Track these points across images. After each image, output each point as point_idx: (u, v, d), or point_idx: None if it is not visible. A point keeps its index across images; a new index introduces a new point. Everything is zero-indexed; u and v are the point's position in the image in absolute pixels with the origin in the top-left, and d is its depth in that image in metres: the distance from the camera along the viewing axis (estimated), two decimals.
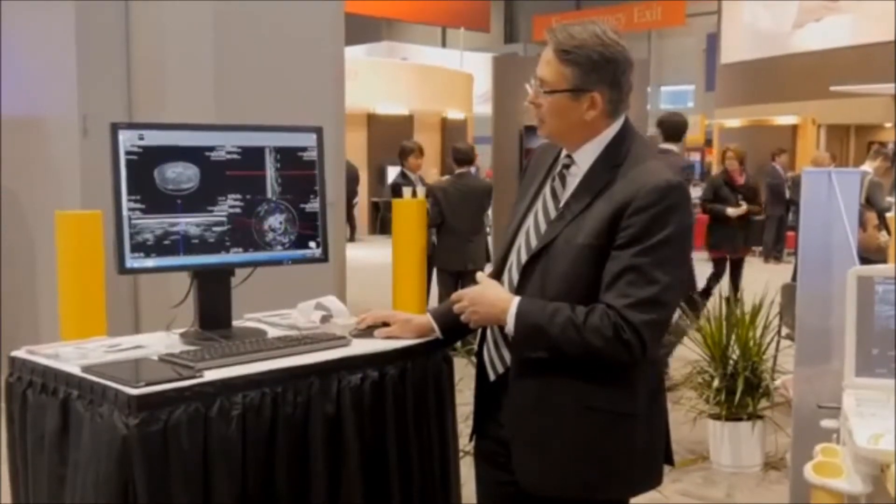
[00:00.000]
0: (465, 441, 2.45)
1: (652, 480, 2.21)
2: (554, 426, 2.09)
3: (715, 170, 14.37)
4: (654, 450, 2.20)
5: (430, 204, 6.99)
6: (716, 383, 4.77)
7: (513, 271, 2.17)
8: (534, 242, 2.14)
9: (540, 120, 2.15)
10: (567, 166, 2.17)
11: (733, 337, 4.82)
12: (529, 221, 2.19)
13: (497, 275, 2.24)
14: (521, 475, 2.14)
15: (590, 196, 2.09)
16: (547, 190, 2.19)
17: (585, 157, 2.15)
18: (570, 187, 2.15)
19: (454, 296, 2.21)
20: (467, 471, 2.43)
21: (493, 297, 2.12)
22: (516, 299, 2.07)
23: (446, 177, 9.07)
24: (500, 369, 2.20)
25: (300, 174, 2.48)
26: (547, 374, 2.08)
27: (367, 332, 2.39)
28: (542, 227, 2.15)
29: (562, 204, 2.14)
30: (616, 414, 2.08)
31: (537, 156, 2.35)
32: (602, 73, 2.08)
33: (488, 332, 2.24)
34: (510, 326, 2.07)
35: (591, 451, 2.08)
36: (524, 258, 2.15)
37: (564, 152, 2.20)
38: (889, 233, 5.67)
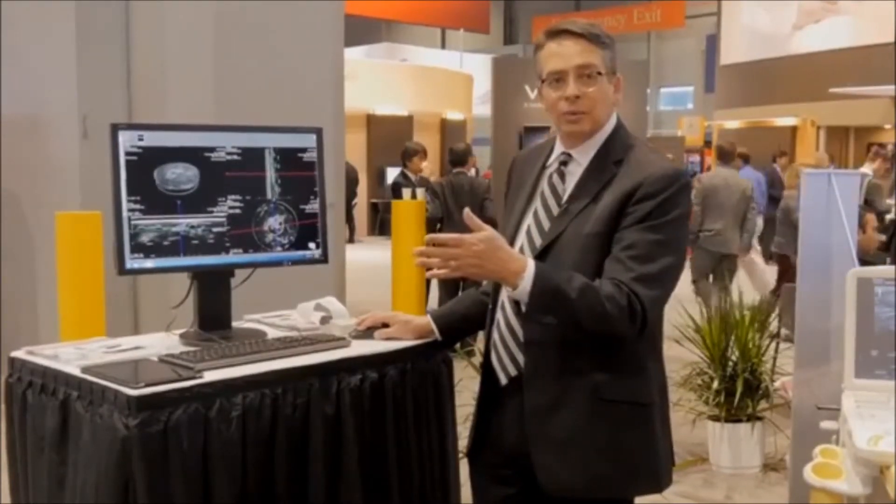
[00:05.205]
0: (464, 442, 2.44)
1: (670, 476, 2.20)
2: (575, 423, 2.07)
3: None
4: (669, 444, 2.20)
5: (430, 199, 6.97)
6: (715, 385, 4.77)
7: None
8: (538, 240, 2.14)
9: (580, 114, 2.12)
10: (565, 163, 2.18)
11: (732, 338, 4.82)
12: (529, 221, 2.19)
13: None
14: (545, 478, 2.10)
15: (595, 189, 2.10)
16: (545, 188, 2.19)
17: (585, 152, 2.16)
18: (570, 183, 2.16)
19: (446, 238, 1.99)
20: (466, 471, 2.43)
21: (506, 254, 2.00)
22: (532, 261, 2.01)
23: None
24: (513, 372, 2.17)
25: (300, 175, 2.48)
26: (563, 370, 2.08)
27: (366, 333, 2.38)
28: (545, 223, 2.15)
29: (564, 199, 2.14)
30: (634, 404, 2.09)
31: (520, 163, 2.35)
32: (615, 58, 2.17)
33: (495, 334, 2.21)
34: (526, 286, 1.97)
35: (614, 446, 2.07)
36: (530, 256, 2.14)
37: (559, 150, 2.20)
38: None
